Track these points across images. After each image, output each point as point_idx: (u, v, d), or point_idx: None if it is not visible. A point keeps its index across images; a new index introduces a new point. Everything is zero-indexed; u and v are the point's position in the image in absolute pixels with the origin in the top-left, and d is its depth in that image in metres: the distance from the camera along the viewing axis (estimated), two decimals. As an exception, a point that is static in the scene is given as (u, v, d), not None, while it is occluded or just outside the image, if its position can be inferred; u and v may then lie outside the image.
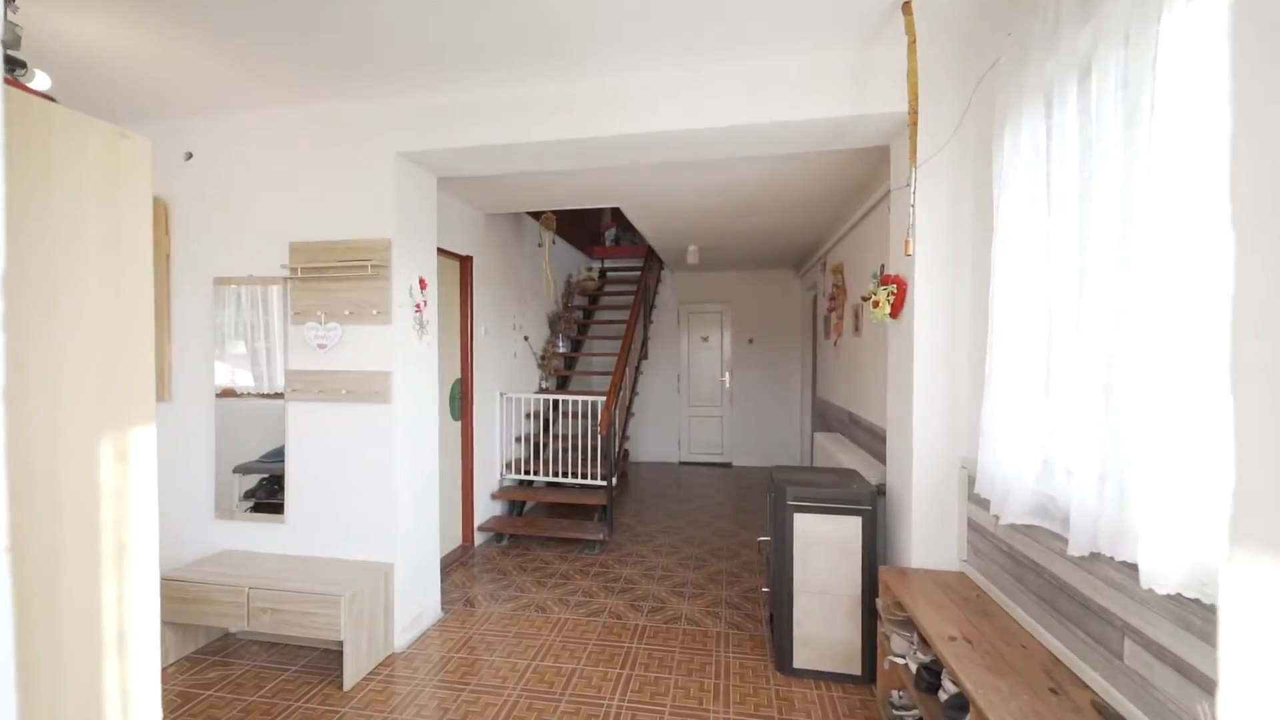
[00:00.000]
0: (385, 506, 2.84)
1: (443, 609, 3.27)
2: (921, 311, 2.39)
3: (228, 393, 2.96)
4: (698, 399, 7.61)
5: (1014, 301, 1.86)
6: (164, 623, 2.65)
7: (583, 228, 7.16)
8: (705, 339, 7.59)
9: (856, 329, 4.24)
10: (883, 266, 3.52)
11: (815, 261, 5.97)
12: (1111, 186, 1.41)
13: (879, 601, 2.38)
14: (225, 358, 2.96)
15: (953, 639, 1.78)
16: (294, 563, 2.82)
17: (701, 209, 4.34)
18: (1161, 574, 1.18)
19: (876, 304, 2.59)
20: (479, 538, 4.40)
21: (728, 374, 7.52)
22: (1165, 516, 1.17)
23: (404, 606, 2.88)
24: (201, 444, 3.01)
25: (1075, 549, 1.47)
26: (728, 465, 7.47)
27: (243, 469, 2.98)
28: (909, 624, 2.18)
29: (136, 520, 1.05)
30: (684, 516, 5.16)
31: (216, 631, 2.96)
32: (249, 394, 2.94)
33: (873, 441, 3.73)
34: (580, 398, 4.90)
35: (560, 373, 6.08)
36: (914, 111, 2.06)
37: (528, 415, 5.29)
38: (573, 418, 5.30)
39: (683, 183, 3.69)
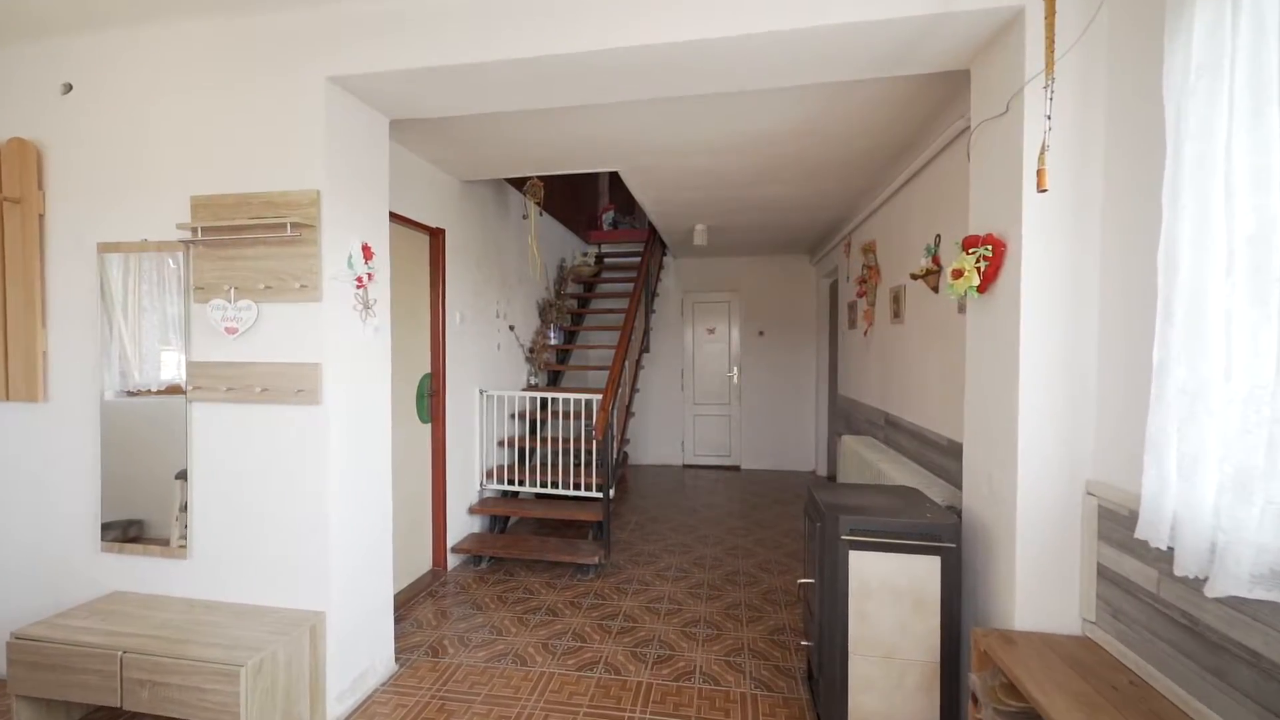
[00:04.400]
0: (313, 538, 2.19)
1: (398, 661, 2.62)
2: (1032, 280, 1.74)
3: (173, 389, 2.28)
4: (703, 396, 6.97)
5: (1209, 254, 1.22)
6: (18, 697, 2.02)
7: (578, 209, 6.50)
8: (711, 331, 6.95)
9: (896, 314, 3.61)
10: (938, 237, 2.88)
11: (837, 243, 5.32)
12: None
13: (974, 678, 1.74)
14: (174, 345, 2.29)
15: (1138, 777, 1.15)
16: (197, 612, 2.18)
17: (714, 173, 3.69)
18: None
19: (959, 274, 1.95)
20: (452, 560, 3.76)
21: (736, 369, 6.88)
22: None
23: (341, 666, 2.24)
24: (83, 457, 2.36)
25: None
26: (736, 469, 6.84)
27: (184, 475, 2.32)
28: (1028, 717, 1.55)
29: None
30: (691, 531, 4.52)
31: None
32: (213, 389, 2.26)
33: (923, 450, 3.10)
34: (574, 396, 4.26)
35: (551, 367, 5.43)
36: (1051, -21, 1.42)
37: (513, 416, 4.64)
38: (565, 418, 4.65)
39: (694, 136, 3.04)
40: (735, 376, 6.88)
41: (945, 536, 1.90)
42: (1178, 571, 1.26)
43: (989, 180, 1.96)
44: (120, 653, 1.91)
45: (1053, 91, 1.50)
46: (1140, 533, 1.37)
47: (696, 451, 6.99)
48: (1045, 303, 1.74)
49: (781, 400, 6.76)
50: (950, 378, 2.71)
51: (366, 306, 2.36)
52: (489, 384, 4.26)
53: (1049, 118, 1.50)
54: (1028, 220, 1.73)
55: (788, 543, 4.25)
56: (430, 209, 3.52)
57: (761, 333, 6.80)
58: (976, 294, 1.96)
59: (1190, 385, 1.25)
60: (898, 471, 2.92)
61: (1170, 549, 1.30)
